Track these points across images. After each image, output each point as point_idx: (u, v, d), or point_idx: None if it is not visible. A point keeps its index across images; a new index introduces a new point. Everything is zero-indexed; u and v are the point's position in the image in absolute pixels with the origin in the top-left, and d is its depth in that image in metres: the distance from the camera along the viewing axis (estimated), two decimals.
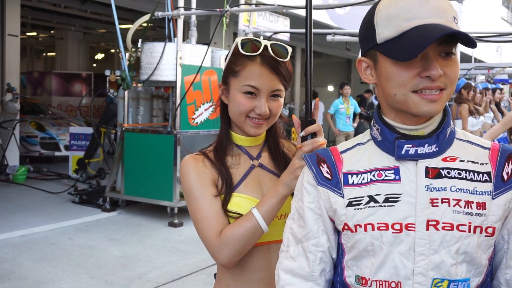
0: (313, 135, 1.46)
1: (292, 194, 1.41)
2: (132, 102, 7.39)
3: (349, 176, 1.23)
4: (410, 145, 1.18)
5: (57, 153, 11.50)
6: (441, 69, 1.11)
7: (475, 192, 1.16)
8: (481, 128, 7.77)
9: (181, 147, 6.78)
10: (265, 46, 1.57)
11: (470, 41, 1.10)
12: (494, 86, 9.45)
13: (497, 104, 9.24)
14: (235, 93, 1.59)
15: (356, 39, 7.77)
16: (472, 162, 1.20)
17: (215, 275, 1.74)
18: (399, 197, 1.17)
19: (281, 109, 1.64)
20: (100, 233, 6.30)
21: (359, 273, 1.21)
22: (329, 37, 7.79)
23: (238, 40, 1.60)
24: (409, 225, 1.14)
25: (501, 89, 9.74)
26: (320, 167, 1.27)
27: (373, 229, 1.17)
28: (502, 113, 9.05)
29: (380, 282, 1.17)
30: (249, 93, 1.57)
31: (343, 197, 1.22)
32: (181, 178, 1.61)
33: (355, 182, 1.22)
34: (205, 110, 7.05)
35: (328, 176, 1.25)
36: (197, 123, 6.97)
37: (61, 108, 15.82)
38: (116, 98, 7.97)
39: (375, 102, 9.03)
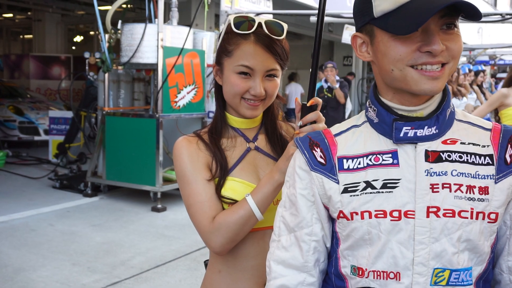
0: (313, 122, 1.39)
1: None
2: (112, 85, 7.25)
3: (344, 160, 1.16)
4: (409, 127, 1.11)
5: (36, 138, 11.29)
6: (443, 44, 1.04)
7: (477, 176, 1.10)
8: (464, 110, 7.79)
9: (177, 130, 6.68)
10: (259, 24, 1.49)
11: (474, 13, 1.02)
12: (477, 67, 9.47)
13: (479, 86, 9.26)
14: (228, 73, 1.52)
15: (339, 20, 7.66)
16: (474, 144, 1.14)
17: (205, 262, 1.68)
18: (397, 182, 1.10)
19: (277, 89, 1.56)
20: (82, 219, 6.20)
21: (355, 263, 1.15)
22: (312, 18, 7.69)
23: (231, 17, 1.51)
24: (408, 212, 1.08)
25: (483, 71, 9.76)
26: (313, 151, 1.20)
27: (370, 217, 1.10)
28: (484, 94, 9.07)
29: (378, 273, 1.11)
30: (243, 73, 1.50)
31: (338, 183, 1.15)
32: (174, 161, 1.54)
33: (351, 167, 1.15)
34: (188, 93, 6.93)
35: (322, 160, 1.18)
36: (179, 106, 6.86)
37: (39, 92, 15.53)
38: (96, 81, 7.82)
39: (325, 85, 8.81)
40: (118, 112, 7.15)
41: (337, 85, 8.77)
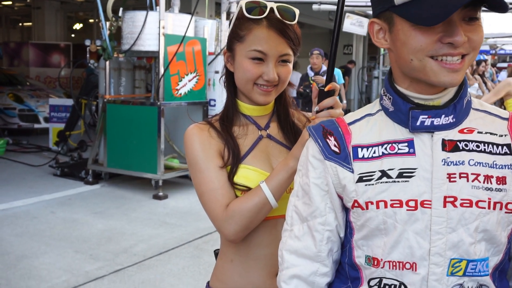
0: (329, 108, 1.38)
1: None
2: (113, 72, 7.22)
3: (359, 149, 1.15)
4: (426, 116, 1.10)
5: (36, 125, 11.27)
6: (465, 35, 1.02)
7: (494, 166, 1.09)
8: None
9: (179, 118, 6.66)
10: (271, 9, 1.47)
11: (500, 5, 0.99)
12: (478, 57, 9.45)
13: (481, 75, 9.24)
14: (241, 59, 1.50)
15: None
16: (491, 133, 1.13)
17: (215, 252, 1.66)
18: (413, 172, 1.09)
19: (290, 75, 1.54)
20: (83, 206, 6.20)
21: (370, 253, 1.13)
22: (315, 6, 7.66)
23: (243, 3, 1.49)
24: (425, 202, 1.07)
25: (485, 61, 9.73)
26: (327, 140, 1.18)
27: (385, 207, 1.09)
28: (486, 84, 9.06)
29: (394, 263, 1.10)
30: (256, 58, 1.48)
31: (352, 172, 1.13)
32: (185, 149, 1.53)
33: (366, 156, 1.13)
34: (189, 81, 6.91)
35: (336, 149, 1.16)
36: (180, 94, 6.84)
37: (39, 80, 15.47)
38: (96, 69, 7.78)
39: (310, 74, 8.62)
40: (119, 100, 7.13)
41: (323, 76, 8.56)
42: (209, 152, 1.49)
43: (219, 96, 7.29)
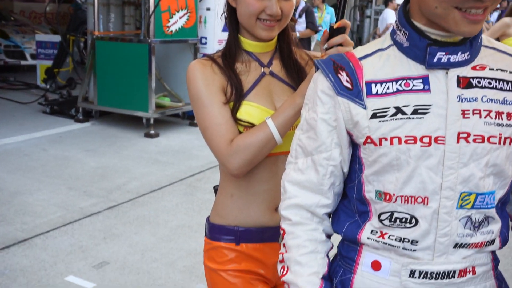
0: (339, 45, 1.36)
1: None
2: (102, 8, 7.04)
3: (373, 85, 1.14)
4: (443, 53, 1.09)
5: (23, 62, 11.06)
6: None
7: (505, 102, 1.11)
8: None
9: (169, 56, 6.57)
10: None
11: None
12: None
13: None
14: None
15: None
16: (501, 70, 1.13)
17: (215, 188, 1.69)
18: (428, 108, 1.09)
19: (293, 9, 1.52)
20: (75, 144, 6.20)
21: (381, 188, 1.15)
22: None
23: None
24: (439, 138, 1.08)
25: None
26: (339, 75, 1.16)
27: (399, 143, 1.10)
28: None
29: (406, 198, 1.12)
30: None
31: (365, 108, 1.13)
32: (188, 84, 1.51)
33: (379, 92, 1.13)
34: (180, 18, 6.77)
35: (348, 85, 1.15)
36: (171, 31, 6.71)
37: (24, 15, 15.03)
38: (84, 4, 7.57)
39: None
40: (108, 37, 6.98)
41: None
42: (212, 87, 1.48)
43: (210, 34, 7.17)
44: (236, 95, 1.49)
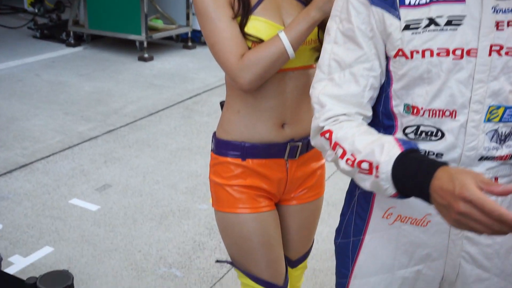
0: None
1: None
2: None
3: None
4: None
5: None
6: None
7: None
8: None
9: None
10: None
11: None
12: None
13: None
14: None
15: None
16: None
17: (221, 103, 1.67)
18: (462, 19, 1.06)
19: None
20: (68, 69, 6.10)
21: (410, 101, 1.13)
22: None
23: None
24: (471, 51, 1.06)
25: None
26: None
27: (431, 55, 1.07)
28: None
29: (434, 111, 1.11)
30: None
31: (399, 19, 1.09)
32: None
33: (412, 3, 1.08)
34: None
35: None
36: None
37: None
38: None
39: None
40: None
41: None
42: (219, 1, 1.43)
43: None
44: (243, 9, 1.44)
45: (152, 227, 3.13)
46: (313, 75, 1.59)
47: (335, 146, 1.11)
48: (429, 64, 1.08)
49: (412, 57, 1.09)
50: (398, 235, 1.21)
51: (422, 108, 1.12)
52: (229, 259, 1.71)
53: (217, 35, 1.43)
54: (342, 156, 1.09)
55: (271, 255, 1.62)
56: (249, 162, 1.57)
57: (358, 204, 1.26)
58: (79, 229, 3.10)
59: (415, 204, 1.15)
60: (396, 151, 1.01)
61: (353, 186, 1.28)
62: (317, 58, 1.57)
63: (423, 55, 1.08)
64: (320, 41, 1.55)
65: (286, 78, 1.53)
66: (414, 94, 1.12)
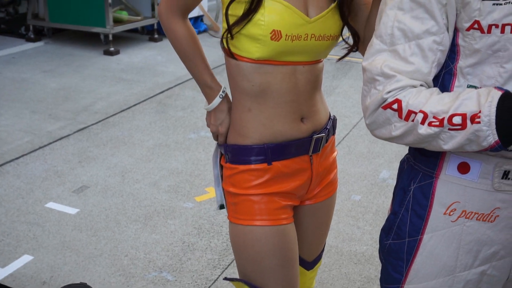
0: None
1: None
2: None
3: None
4: None
5: None
6: None
7: None
8: None
9: None
10: None
11: None
12: None
13: None
14: None
15: None
16: None
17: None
18: None
19: None
20: (30, 64, 5.82)
21: (477, 83, 1.03)
22: None
23: None
24: None
25: None
26: None
27: (511, 32, 0.97)
28: None
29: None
30: None
31: None
32: None
33: None
34: None
35: None
36: None
37: None
38: None
39: None
40: None
41: None
42: None
43: None
44: None
45: (137, 229, 2.98)
46: (322, 69, 1.49)
47: (409, 114, 1.02)
48: (507, 41, 0.98)
49: (489, 31, 0.98)
50: (461, 233, 1.11)
51: None
52: (231, 272, 1.55)
53: None
54: (423, 121, 1.00)
55: (290, 272, 1.48)
56: (275, 165, 1.43)
57: (414, 200, 1.15)
58: (59, 234, 2.92)
59: (482, 197, 1.07)
60: (496, 93, 0.95)
61: (406, 180, 1.18)
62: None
63: (502, 30, 0.98)
64: (340, 37, 1.44)
65: (297, 73, 1.40)
66: (483, 75, 1.02)
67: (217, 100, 1.48)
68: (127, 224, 3.03)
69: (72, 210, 3.14)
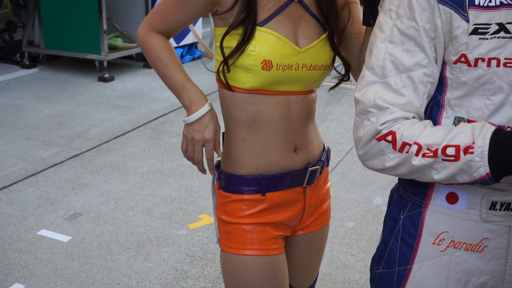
0: None
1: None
2: None
3: None
4: None
5: None
6: None
7: None
8: None
9: None
10: None
11: None
12: None
13: None
14: None
15: None
16: None
17: (223, 134, 1.54)
18: None
19: None
20: (25, 91, 5.84)
21: (464, 115, 1.04)
22: None
23: None
24: None
25: None
26: None
27: (498, 65, 0.99)
28: None
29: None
30: None
31: (468, 21, 1.00)
32: None
33: (481, 4, 1.00)
34: None
35: None
36: None
37: None
38: None
39: None
40: None
41: None
42: None
43: None
44: (246, 18, 1.30)
45: (129, 257, 2.96)
46: (315, 99, 1.51)
47: (403, 145, 1.03)
48: (494, 74, 1.00)
49: (476, 65, 1.01)
50: (450, 263, 1.12)
51: None
52: None
53: (160, 5, 1.42)
54: (417, 152, 1.02)
55: None
56: (269, 196, 1.44)
57: (403, 229, 1.16)
58: (51, 262, 2.89)
59: (470, 227, 1.08)
60: (490, 127, 0.97)
61: (396, 210, 1.19)
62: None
63: (488, 64, 1.00)
64: (332, 67, 1.46)
65: (290, 103, 1.42)
66: (470, 107, 1.04)
67: (205, 108, 1.40)
68: (119, 251, 3.01)
69: (64, 238, 3.12)
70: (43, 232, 3.17)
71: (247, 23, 1.31)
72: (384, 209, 3.48)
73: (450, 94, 1.07)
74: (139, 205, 3.52)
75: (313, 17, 1.39)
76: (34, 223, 3.26)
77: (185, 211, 3.46)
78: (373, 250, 3.03)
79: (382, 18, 1.09)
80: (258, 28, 1.32)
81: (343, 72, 1.49)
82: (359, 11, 1.46)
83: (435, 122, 1.09)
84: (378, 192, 3.71)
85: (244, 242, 1.44)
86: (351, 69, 1.49)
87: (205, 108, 1.40)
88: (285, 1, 1.36)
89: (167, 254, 2.99)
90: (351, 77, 1.51)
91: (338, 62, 1.50)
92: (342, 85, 1.53)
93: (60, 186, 3.74)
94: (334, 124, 5.04)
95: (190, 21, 1.43)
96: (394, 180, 3.57)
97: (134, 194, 3.66)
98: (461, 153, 0.98)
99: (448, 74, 1.06)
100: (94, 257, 2.95)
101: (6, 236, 3.11)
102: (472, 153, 0.96)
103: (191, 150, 1.43)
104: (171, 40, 1.59)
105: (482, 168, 0.97)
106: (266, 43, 1.32)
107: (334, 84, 1.53)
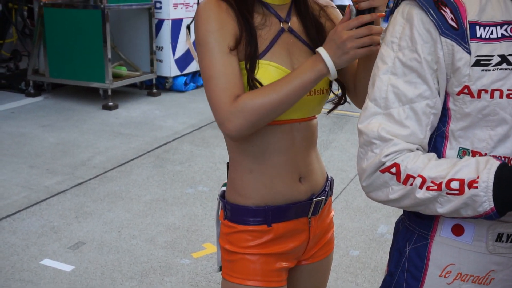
0: None
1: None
2: None
3: (477, 27, 1.01)
4: None
5: None
6: None
7: None
8: None
9: (123, 22, 6.25)
10: None
11: None
12: None
13: None
14: None
15: None
16: None
17: (227, 164, 1.54)
18: None
19: None
20: (29, 119, 5.87)
21: (469, 146, 1.05)
22: None
23: None
24: None
25: None
26: (441, 11, 1.02)
27: (501, 97, 1.00)
28: None
29: (498, 158, 1.02)
30: None
31: (470, 53, 1.01)
32: (197, 25, 1.33)
33: (483, 36, 1.01)
34: None
35: (454, 24, 1.02)
36: None
37: None
38: None
39: None
40: (57, 3, 6.58)
41: None
42: (225, 33, 1.31)
43: None
44: (251, 52, 1.32)
45: (132, 287, 2.94)
46: (316, 125, 1.52)
47: (407, 178, 1.03)
48: (497, 105, 1.01)
49: (479, 96, 1.01)
50: None
51: (485, 155, 1.04)
52: None
53: (215, 69, 1.29)
54: (421, 185, 1.02)
55: None
56: (274, 227, 1.43)
57: (409, 261, 1.15)
58: None
59: (476, 260, 1.07)
60: (494, 161, 0.98)
61: (402, 242, 1.18)
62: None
63: (491, 96, 1.00)
64: (330, 91, 1.48)
65: (294, 130, 1.43)
66: (475, 138, 1.04)
67: (317, 59, 1.28)
68: (122, 281, 2.98)
69: (67, 267, 3.10)
70: (46, 262, 3.15)
71: (248, 58, 1.33)
72: (388, 237, 3.46)
73: (453, 125, 1.07)
74: (143, 233, 3.50)
75: (304, 44, 1.42)
76: (37, 252, 3.25)
77: (188, 240, 3.44)
78: (378, 279, 3.00)
79: (385, 50, 1.10)
80: (257, 61, 1.34)
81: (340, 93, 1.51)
82: None
83: (440, 154, 1.09)
84: (383, 220, 3.69)
85: (247, 272, 1.44)
86: (347, 91, 1.50)
87: (318, 59, 1.29)
88: (277, 31, 1.39)
89: (170, 284, 2.96)
90: (352, 103, 1.53)
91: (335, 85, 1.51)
92: (345, 112, 1.54)
93: (63, 214, 3.73)
94: (337, 151, 5.04)
95: (237, 61, 1.34)
96: (399, 209, 3.54)
97: (137, 222, 3.65)
98: (466, 187, 0.97)
99: (451, 105, 1.07)
100: (97, 287, 2.92)
101: (9, 266, 3.09)
102: (476, 187, 0.96)
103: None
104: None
105: (487, 203, 0.96)
106: (266, 73, 1.34)
107: (330, 109, 1.54)
